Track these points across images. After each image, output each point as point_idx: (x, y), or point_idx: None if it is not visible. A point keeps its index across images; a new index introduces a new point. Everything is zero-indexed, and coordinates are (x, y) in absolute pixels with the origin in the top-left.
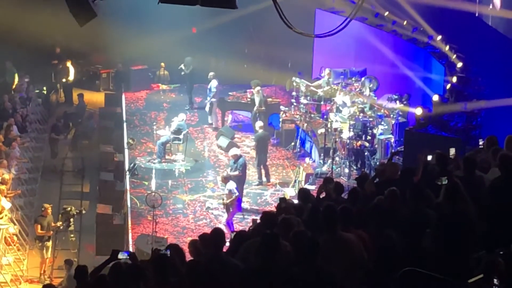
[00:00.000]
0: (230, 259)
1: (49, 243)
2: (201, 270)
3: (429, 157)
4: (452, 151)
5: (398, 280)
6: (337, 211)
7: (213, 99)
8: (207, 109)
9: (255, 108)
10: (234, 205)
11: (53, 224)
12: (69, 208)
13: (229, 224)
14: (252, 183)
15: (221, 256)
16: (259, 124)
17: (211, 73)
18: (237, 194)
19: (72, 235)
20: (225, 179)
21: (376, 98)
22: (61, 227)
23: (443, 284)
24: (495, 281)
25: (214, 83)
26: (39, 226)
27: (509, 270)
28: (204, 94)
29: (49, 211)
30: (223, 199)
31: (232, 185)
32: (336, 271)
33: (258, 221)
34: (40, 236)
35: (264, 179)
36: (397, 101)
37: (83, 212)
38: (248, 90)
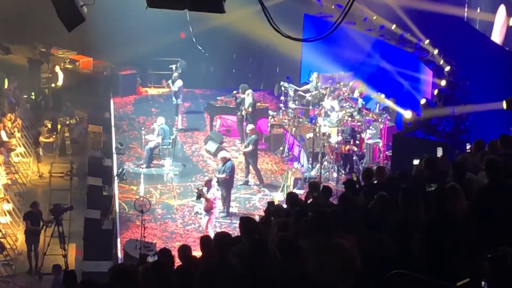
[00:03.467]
0: (235, 264)
1: (39, 238)
2: (200, 273)
3: (416, 161)
4: (440, 151)
5: (386, 283)
6: (330, 217)
7: (178, 101)
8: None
9: (242, 111)
10: (213, 210)
11: (43, 219)
12: (58, 204)
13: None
14: (240, 188)
15: (227, 261)
16: (250, 127)
17: (175, 74)
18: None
19: (61, 231)
20: (208, 183)
21: (364, 102)
22: (50, 224)
23: (431, 287)
24: (483, 284)
25: (179, 83)
26: (28, 222)
27: (497, 274)
28: (193, 98)
29: (39, 207)
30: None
31: (214, 191)
32: (328, 279)
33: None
34: (30, 230)
35: (252, 180)
36: (386, 99)
37: (72, 209)
38: (234, 92)
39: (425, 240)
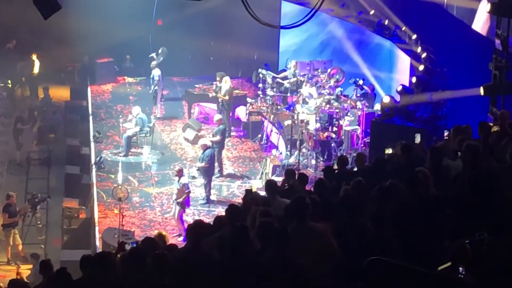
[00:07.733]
0: (208, 251)
1: (16, 230)
2: (175, 261)
3: (389, 150)
4: (418, 137)
5: (364, 269)
6: (307, 202)
7: (156, 88)
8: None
9: (219, 99)
10: (185, 201)
11: (20, 210)
12: (36, 194)
13: (181, 219)
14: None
15: (200, 248)
16: (217, 117)
17: (154, 62)
18: (189, 190)
19: (39, 222)
20: (179, 172)
21: (342, 89)
22: (28, 214)
23: (409, 272)
24: (461, 269)
25: (156, 72)
26: (6, 215)
27: (476, 258)
28: (171, 86)
29: (14, 198)
30: (176, 200)
31: (186, 180)
32: (306, 262)
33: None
34: (7, 224)
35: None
36: (364, 86)
37: (49, 199)
38: (214, 82)
39: (398, 224)
